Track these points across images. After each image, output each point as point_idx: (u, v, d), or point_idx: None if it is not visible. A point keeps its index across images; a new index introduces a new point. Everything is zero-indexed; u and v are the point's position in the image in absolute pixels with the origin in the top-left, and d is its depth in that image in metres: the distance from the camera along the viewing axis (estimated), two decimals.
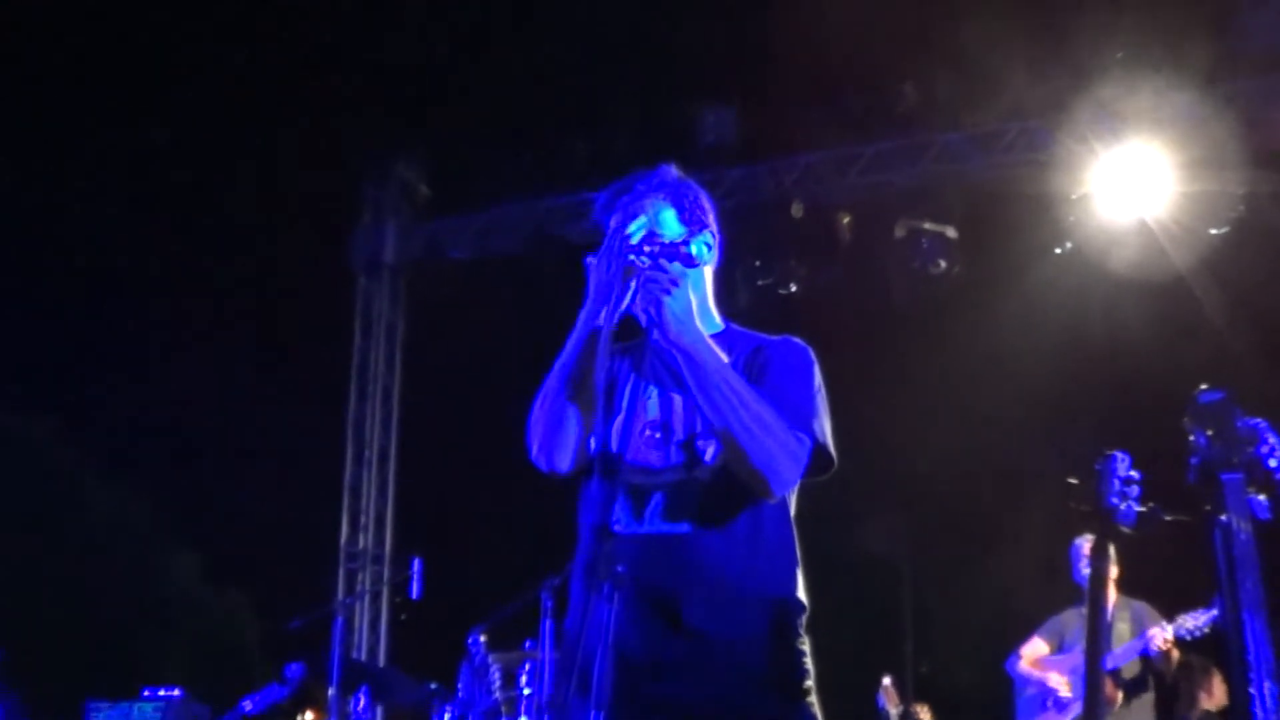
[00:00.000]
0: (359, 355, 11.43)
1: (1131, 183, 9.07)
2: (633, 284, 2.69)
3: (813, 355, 2.92)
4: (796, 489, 2.90)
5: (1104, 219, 9.26)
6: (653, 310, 2.66)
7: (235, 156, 11.08)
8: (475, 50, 10.40)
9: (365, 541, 11.12)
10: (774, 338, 2.94)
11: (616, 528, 2.81)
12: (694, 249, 2.78)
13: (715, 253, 3.00)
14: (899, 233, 9.92)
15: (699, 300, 2.91)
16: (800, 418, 2.76)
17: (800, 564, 2.87)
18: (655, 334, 2.68)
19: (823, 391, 2.88)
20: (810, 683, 2.80)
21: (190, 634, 14.77)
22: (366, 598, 10.92)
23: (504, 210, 11.02)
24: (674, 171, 3.01)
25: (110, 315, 12.19)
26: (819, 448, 2.79)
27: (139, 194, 11.55)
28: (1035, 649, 7.19)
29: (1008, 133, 9.45)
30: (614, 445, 2.85)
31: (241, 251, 11.61)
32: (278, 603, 10.80)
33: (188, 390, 12.56)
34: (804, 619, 2.84)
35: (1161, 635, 6.69)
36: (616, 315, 2.70)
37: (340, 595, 10.80)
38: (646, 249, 2.70)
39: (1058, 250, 9.63)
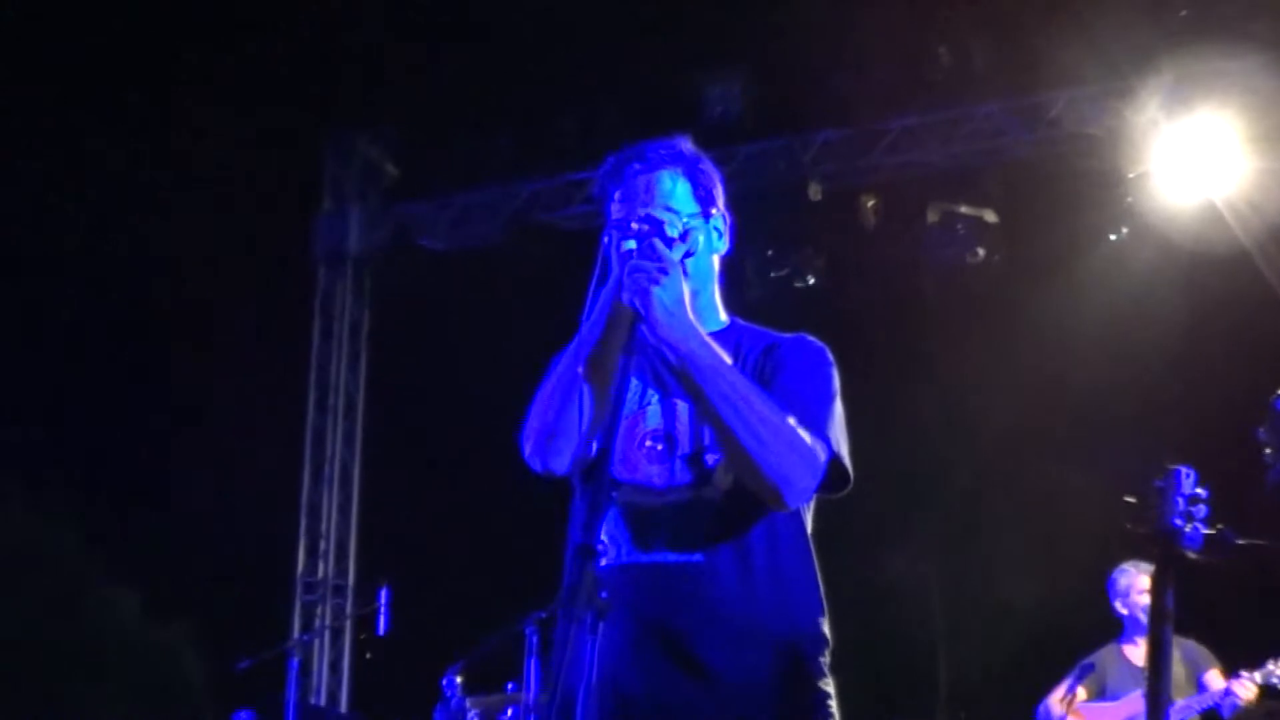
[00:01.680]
0: (318, 358, 11.42)
1: (1196, 159, 9.07)
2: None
3: (831, 356, 2.91)
4: (812, 508, 2.90)
5: (1164, 200, 9.25)
6: (639, 302, 2.63)
7: (176, 133, 11.07)
8: (449, 14, 10.39)
9: (325, 570, 11.11)
10: (787, 335, 2.93)
11: (608, 558, 2.81)
12: (691, 232, 2.75)
13: (726, 240, 2.99)
14: (931, 217, 9.92)
15: (703, 292, 2.92)
16: (814, 423, 2.74)
17: (824, 595, 2.87)
18: (643, 329, 2.65)
19: (839, 398, 2.87)
20: (832, 708, 2.80)
21: (125, 677, 14.74)
22: (326, 634, 10.91)
23: (481, 194, 11.01)
24: (689, 143, 3.00)
25: (28, 312, 12.15)
26: (834, 460, 2.76)
27: (64, 181, 11.53)
28: (1071, 695, 7.15)
29: (1054, 103, 9.45)
30: (612, 456, 2.84)
31: (183, 241, 11.59)
32: (225, 640, 10.77)
33: (121, 399, 12.53)
34: (828, 655, 2.84)
35: (1247, 685, 6.64)
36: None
37: (296, 632, 10.78)
38: (634, 227, 2.68)
39: (1111, 236, 9.63)
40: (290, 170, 11.60)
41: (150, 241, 11.59)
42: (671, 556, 2.77)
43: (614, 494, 2.84)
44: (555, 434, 2.77)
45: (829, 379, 2.86)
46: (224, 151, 10.93)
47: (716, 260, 2.99)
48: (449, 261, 11.30)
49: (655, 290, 2.62)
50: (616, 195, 2.92)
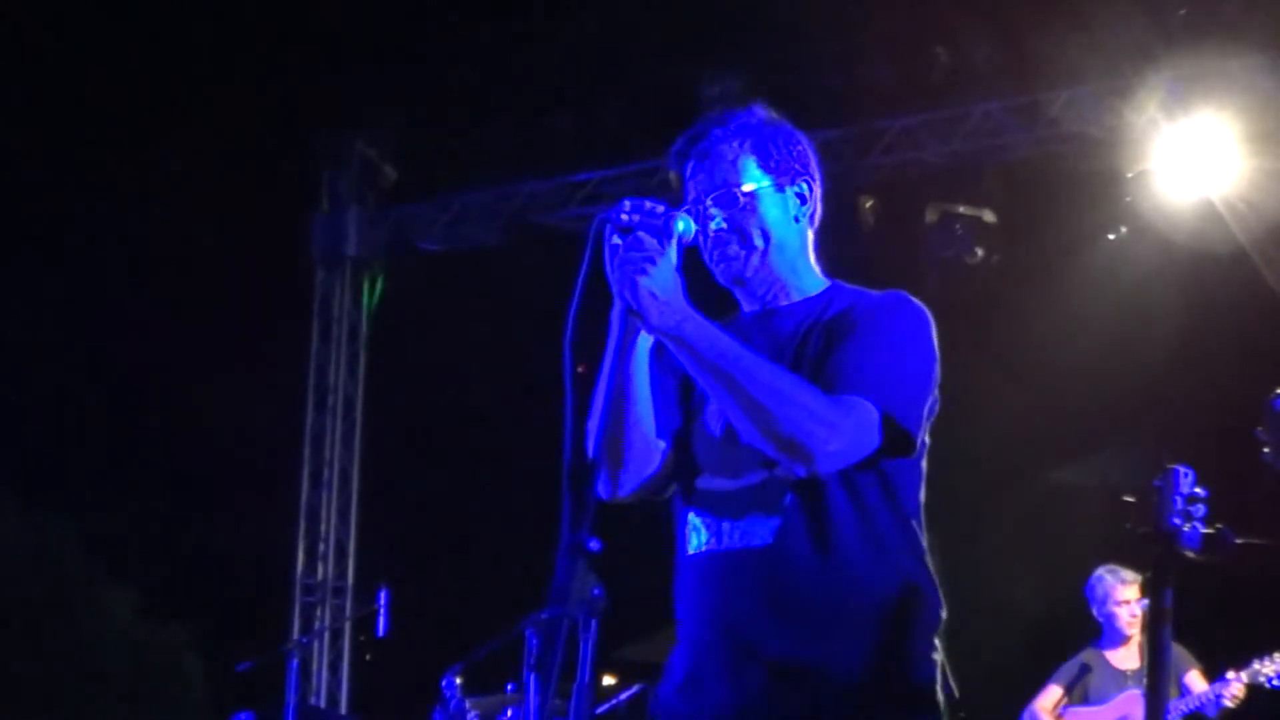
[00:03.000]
0: (316, 360, 11.42)
1: (1195, 158, 9.07)
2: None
3: (913, 308, 2.83)
4: (921, 478, 2.84)
5: (1163, 199, 9.25)
6: (628, 295, 2.60)
7: (174, 135, 11.06)
8: (446, 14, 10.38)
9: (324, 572, 11.11)
10: (874, 293, 2.88)
11: (693, 546, 2.81)
12: (681, 223, 2.70)
13: (811, 205, 2.96)
14: (929, 217, 9.92)
15: (790, 264, 2.89)
16: (863, 382, 2.66)
17: (929, 565, 2.80)
18: (638, 322, 2.63)
19: (917, 351, 2.78)
20: (937, 691, 2.75)
21: (125, 678, 14.73)
22: (326, 636, 10.90)
23: (479, 195, 11.01)
24: (761, 112, 2.97)
25: (27, 314, 12.15)
26: (888, 420, 2.67)
27: (62, 182, 11.52)
28: (1052, 698, 7.17)
29: (1053, 103, 9.44)
30: (693, 445, 2.85)
31: (180, 242, 11.59)
32: (225, 642, 10.78)
33: (117, 400, 12.53)
34: (935, 627, 2.78)
35: (1235, 686, 6.65)
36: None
37: (296, 633, 10.78)
38: (624, 217, 2.64)
39: (1110, 236, 9.63)
40: (288, 172, 11.59)
41: (148, 243, 11.58)
42: (744, 541, 2.73)
43: (696, 483, 2.82)
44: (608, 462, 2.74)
45: (897, 331, 2.78)
46: (222, 153, 10.92)
47: (804, 223, 2.95)
48: (448, 263, 11.29)
49: (643, 281, 2.58)
50: (686, 171, 2.91)
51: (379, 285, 11.50)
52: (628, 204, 2.68)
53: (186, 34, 10.59)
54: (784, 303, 2.91)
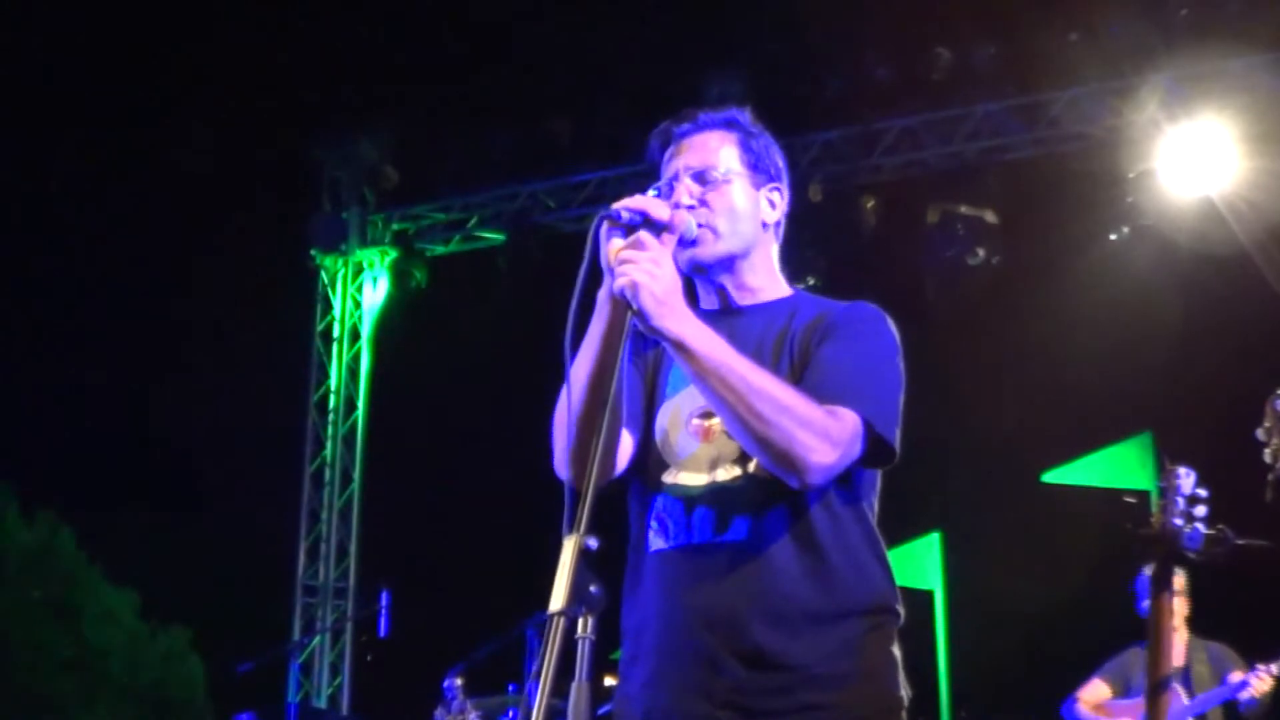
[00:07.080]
0: (318, 361, 11.42)
1: (1196, 158, 9.07)
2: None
3: (887, 323, 2.84)
4: (877, 483, 2.85)
5: (1165, 199, 9.25)
6: (628, 294, 2.56)
7: (177, 136, 11.07)
8: (447, 15, 10.39)
9: (325, 573, 11.10)
10: (841, 303, 2.88)
11: (659, 543, 2.79)
12: (682, 220, 2.71)
13: (779, 215, 2.96)
14: (931, 218, 9.92)
15: (750, 257, 2.89)
16: (848, 393, 2.66)
17: (888, 565, 2.81)
18: (636, 321, 2.61)
19: (892, 365, 2.80)
20: (903, 694, 2.75)
21: (123, 680, 14.74)
22: (327, 636, 10.90)
23: (480, 196, 11.01)
24: (747, 115, 2.99)
25: (29, 315, 12.15)
26: (870, 431, 2.68)
27: (64, 185, 11.52)
28: (1097, 692, 7.18)
29: (1054, 103, 9.45)
30: (657, 440, 2.83)
31: (184, 243, 11.60)
32: (226, 643, 10.78)
33: (117, 401, 12.53)
34: (894, 624, 2.79)
35: (1263, 676, 6.67)
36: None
37: (297, 634, 10.77)
38: (625, 215, 2.62)
39: (1112, 236, 9.62)
40: (290, 172, 11.61)
41: (150, 244, 11.59)
42: (716, 537, 2.73)
43: (663, 478, 2.80)
44: (577, 452, 2.67)
45: (874, 344, 2.79)
46: (225, 154, 10.94)
47: (771, 230, 2.95)
48: (448, 263, 11.29)
49: (644, 281, 2.55)
50: (666, 155, 2.92)
51: (380, 285, 11.50)
52: (626, 202, 2.66)
53: (187, 34, 10.60)
54: (746, 303, 2.91)
